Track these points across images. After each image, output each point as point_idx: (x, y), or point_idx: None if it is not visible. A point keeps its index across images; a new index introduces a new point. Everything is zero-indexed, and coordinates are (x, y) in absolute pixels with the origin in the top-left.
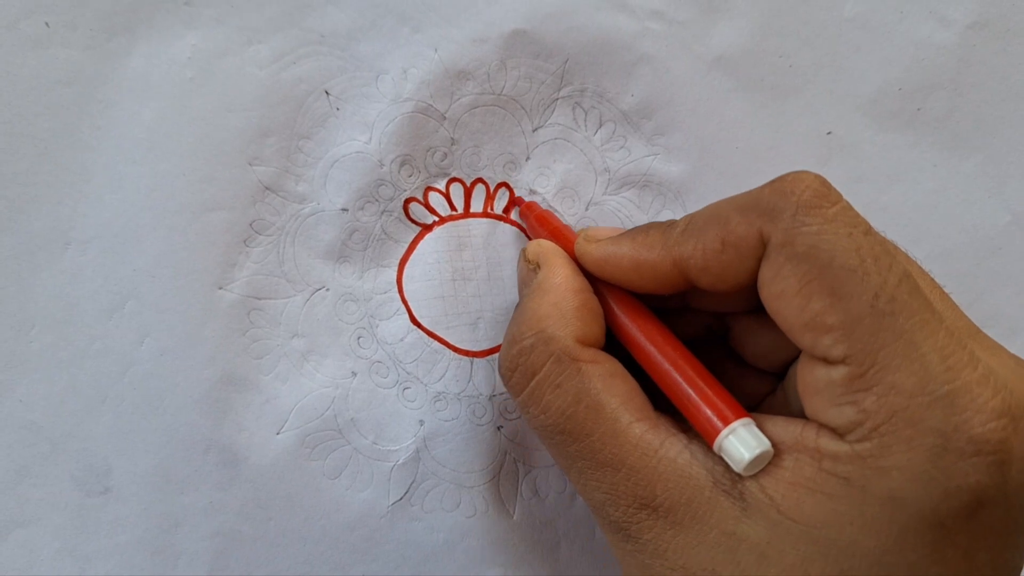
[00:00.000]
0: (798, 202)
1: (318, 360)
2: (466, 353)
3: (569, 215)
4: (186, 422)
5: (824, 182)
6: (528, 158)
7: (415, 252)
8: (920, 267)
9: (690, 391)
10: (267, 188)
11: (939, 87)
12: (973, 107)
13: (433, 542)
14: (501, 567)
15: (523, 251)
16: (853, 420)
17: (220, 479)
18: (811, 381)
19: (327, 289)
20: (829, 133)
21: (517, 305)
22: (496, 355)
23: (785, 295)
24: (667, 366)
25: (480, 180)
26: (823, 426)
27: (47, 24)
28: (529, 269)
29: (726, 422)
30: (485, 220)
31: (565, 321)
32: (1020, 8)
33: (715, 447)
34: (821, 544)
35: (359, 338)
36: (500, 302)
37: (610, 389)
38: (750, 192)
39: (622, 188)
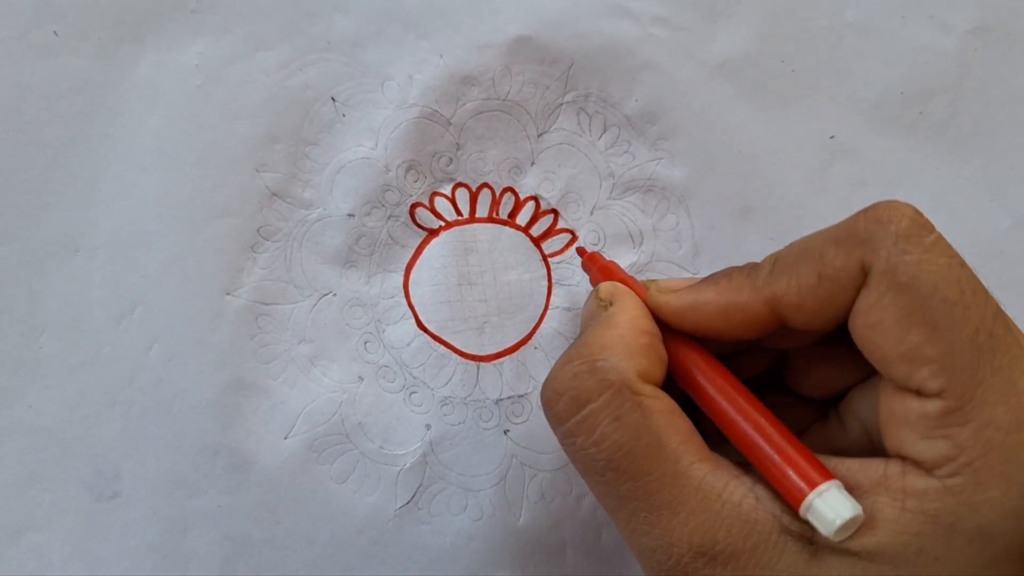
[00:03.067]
0: (897, 231)
1: (325, 365)
2: (472, 358)
3: (573, 220)
4: (195, 427)
5: (919, 212)
6: (533, 163)
7: (421, 257)
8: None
9: (774, 454)
10: (274, 194)
11: (940, 91)
12: (974, 111)
13: (440, 545)
14: (508, 570)
15: (595, 289)
16: (945, 455)
17: (229, 483)
18: (900, 413)
19: (334, 294)
20: (832, 137)
21: (578, 336)
22: (502, 360)
23: (882, 325)
24: (745, 426)
25: (485, 185)
26: (907, 460)
27: (56, 33)
28: (600, 306)
29: (813, 485)
30: (491, 225)
31: (630, 353)
32: (1020, 13)
33: (802, 510)
34: None
35: (366, 343)
36: (506, 307)
37: (671, 427)
38: (841, 224)
39: (626, 192)
